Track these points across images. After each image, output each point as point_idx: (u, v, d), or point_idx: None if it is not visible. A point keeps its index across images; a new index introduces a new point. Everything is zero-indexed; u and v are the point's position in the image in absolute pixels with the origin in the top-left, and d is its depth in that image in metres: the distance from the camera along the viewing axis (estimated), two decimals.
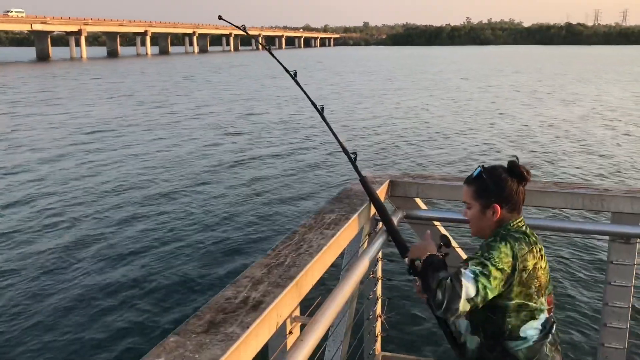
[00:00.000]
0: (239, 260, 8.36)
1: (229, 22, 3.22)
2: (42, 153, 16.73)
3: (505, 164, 2.33)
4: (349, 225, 2.54)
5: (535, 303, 2.17)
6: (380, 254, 3.12)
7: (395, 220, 2.88)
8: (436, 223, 3.29)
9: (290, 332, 1.94)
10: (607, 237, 3.08)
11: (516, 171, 2.26)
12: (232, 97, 32.95)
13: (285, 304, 1.82)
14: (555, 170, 14.00)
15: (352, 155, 2.73)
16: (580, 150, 16.62)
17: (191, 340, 1.49)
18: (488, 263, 2.07)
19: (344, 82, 44.37)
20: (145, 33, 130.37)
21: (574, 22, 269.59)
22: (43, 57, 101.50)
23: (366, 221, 2.89)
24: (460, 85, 40.69)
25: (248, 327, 1.56)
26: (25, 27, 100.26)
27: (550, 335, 2.25)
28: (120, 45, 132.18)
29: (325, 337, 2.19)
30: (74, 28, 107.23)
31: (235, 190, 12.41)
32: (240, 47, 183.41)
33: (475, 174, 2.32)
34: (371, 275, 3.19)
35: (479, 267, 2.06)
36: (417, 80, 47.05)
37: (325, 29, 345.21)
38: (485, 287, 2.03)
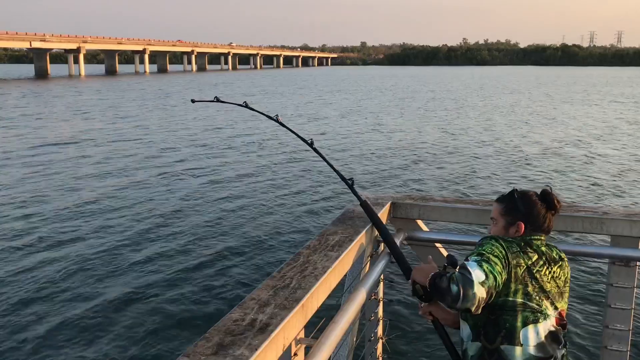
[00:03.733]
0: (243, 281, 8.33)
1: (205, 100, 3.42)
2: None
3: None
4: (352, 247, 2.56)
5: (536, 304, 2.20)
6: (382, 276, 3.13)
7: (397, 242, 2.91)
8: (437, 245, 3.31)
9: (295, 354, 1.95)
10: (606, 260, 3.10)
11: (547, 198, 2.43)
12: (222, 115, 33.05)
13: (291, 327, 1.83)
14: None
15: (349, 181, 2.82)
16: (575, 171, 16.69)
17: None
18: (483, 251, 2.20)
19: (341, 102, 44.58)
20: (143, 51, 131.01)
21: (569, 43, 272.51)
22: (42, 74, 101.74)
23: (368, 243, 2.90)
24: (454, 106, 40.90)
25: (256, 350, 1.57)
26: (25, 45, 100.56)
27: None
28: (119, 63, 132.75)
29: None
30: (73, 46, 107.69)
31: (238, 211, 12.40)
32: (238, 66, 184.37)
33: (507, 193, 2.50)
34: (373, 297, 3.20)
35: (477, 257, 2.19)
36: (414, 100, 47.29)
37: (322, 49, 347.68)
38: (491, 271, 2.14)
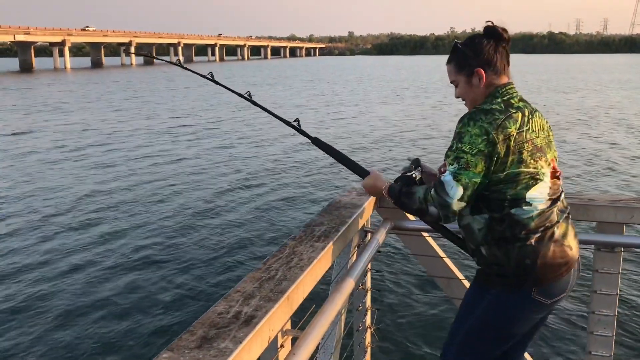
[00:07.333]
0: (229, 274, 8.29)
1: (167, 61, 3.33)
2: None
3: None
4: (338, 237, 2.55)
5: (533, 167, 2.08)
6: (369, 265, 3.13)
7: (383, 231, 2.91)
8: (425, 234, 3.31)
9: (282, 346, 1.95)
10: (592, 246, 3.12)
11: (492, 31, 2.21)
12: (204, 106, 32.90)
13: (277, 318, 1.82)
14: None
15: (295, 122, 2.79)
16: (561, 158, 16.80)
17: (184, 356, 1.49)
18: (462, 154, 2.04)
19: (330, 92, 44.52)
20: (129, 43, 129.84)
21: (556, 31, 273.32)
22: (26, 67, 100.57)
23: (355, 233, 2.90)
24: (438, 91, 40.97)
25: (241, 342, 1.56)
26: (8, 38, 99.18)
27: (559, 202, 2.18)
28: (105, 55, 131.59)
29: (315, 350, 2.20)
30: (58, 39, 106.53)
31: (223, 204, 12.34)
32: (226, 57, 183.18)
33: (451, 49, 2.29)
34: (360, 287, 3.20)
35: (454, 165, 2.05)
36: (397, 88, 47.31)
37: (310, 39, 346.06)
38: (470, 179, 2.02)
